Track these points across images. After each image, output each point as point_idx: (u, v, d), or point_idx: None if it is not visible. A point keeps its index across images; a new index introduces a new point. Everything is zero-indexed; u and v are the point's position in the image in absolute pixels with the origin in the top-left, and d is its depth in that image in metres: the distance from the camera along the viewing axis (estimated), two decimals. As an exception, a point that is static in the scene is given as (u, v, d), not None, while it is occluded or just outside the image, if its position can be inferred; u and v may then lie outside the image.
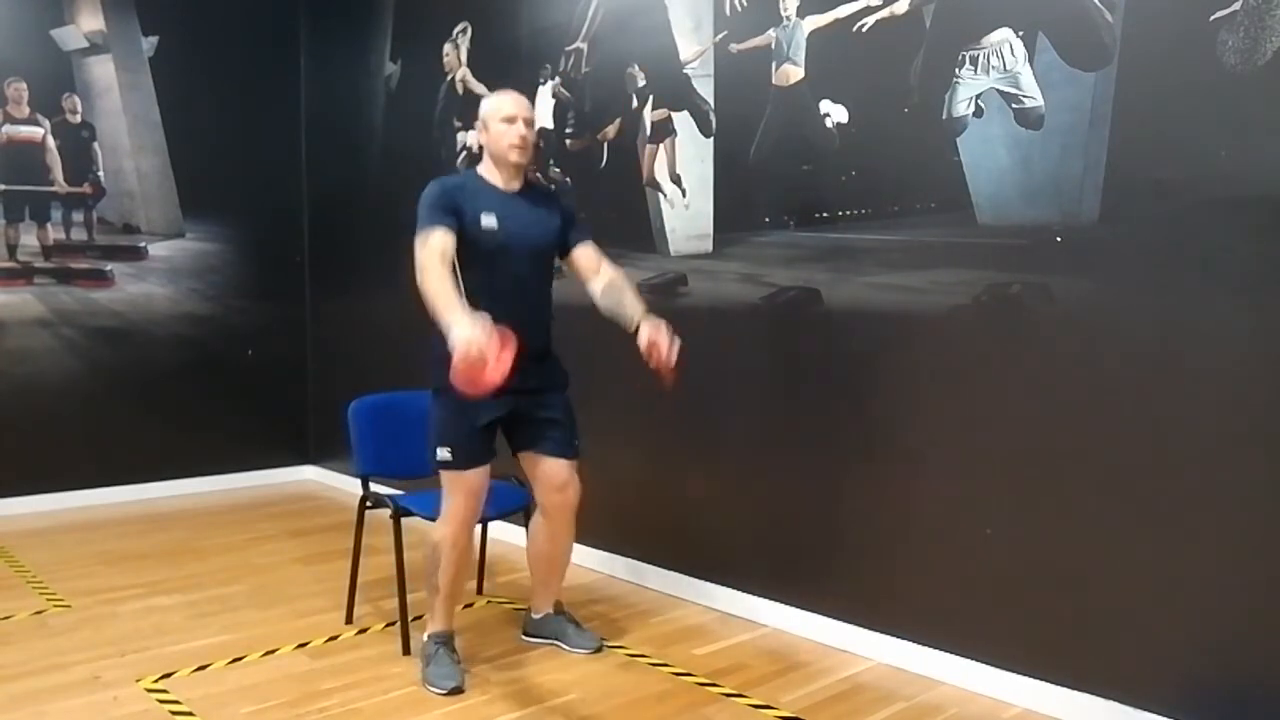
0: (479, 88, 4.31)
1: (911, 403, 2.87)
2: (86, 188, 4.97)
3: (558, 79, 3.96)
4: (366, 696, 2.67)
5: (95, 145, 4.97)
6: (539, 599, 3.08)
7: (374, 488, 3.15)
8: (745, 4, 3.26)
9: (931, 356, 2.82)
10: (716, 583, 3.42)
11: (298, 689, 2.71)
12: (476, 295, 2.64)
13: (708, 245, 3.45)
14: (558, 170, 3.97)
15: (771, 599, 3.25)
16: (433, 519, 2.79)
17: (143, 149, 5.11)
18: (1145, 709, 2.41)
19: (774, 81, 3.18)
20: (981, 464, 2.71)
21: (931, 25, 2.78)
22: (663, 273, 3.59)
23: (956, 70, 2.72)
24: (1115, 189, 2.43)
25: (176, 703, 2.62)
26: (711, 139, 3.41)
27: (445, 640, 2.79)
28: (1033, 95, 2.58)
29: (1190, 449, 2.33)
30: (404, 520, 2.99)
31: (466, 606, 3.39)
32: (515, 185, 2.75)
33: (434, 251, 2.55)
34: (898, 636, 2.91)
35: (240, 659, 2.93)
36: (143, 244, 5.14)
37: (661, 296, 3.59)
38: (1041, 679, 2.60)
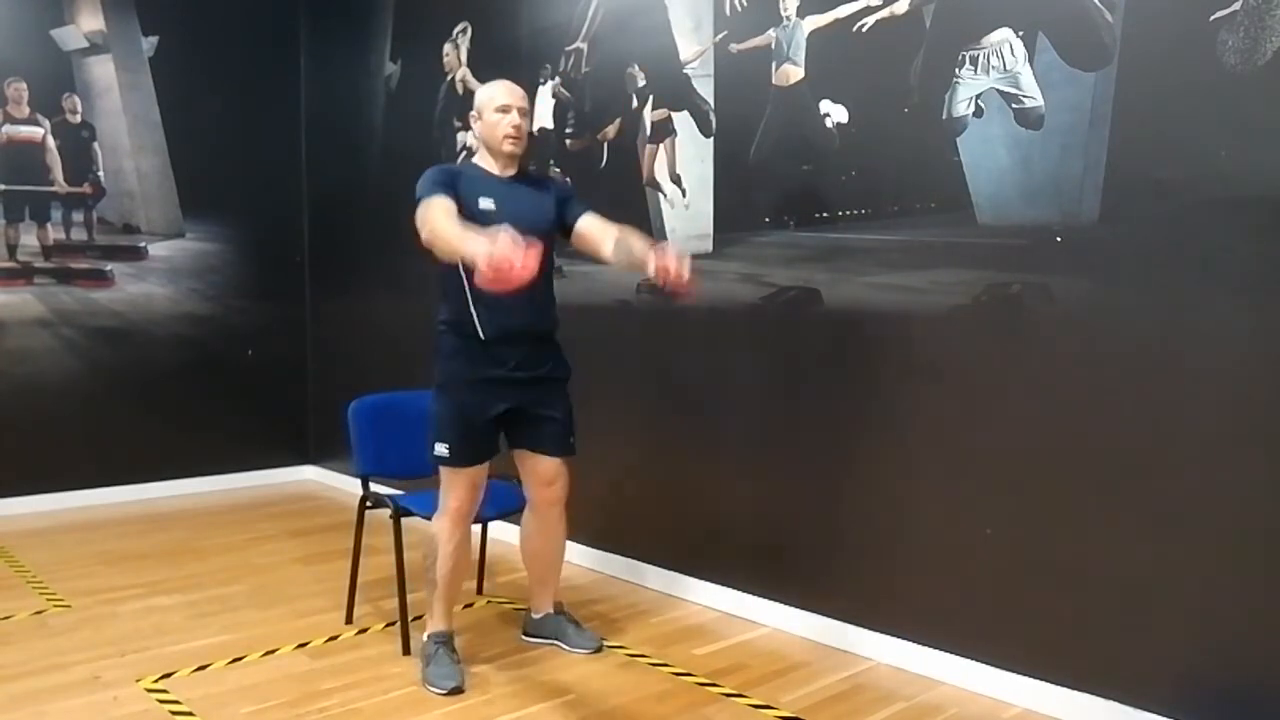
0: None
1: (911, 403, 2.87)
2: (86, 188, 4.96)
3: (558, 79, 3.96)
4: (366, 696, 2.67)
5: (95, 145, 4.97)
6: (538, 598, 3.08)
7: (374, 488, 3.15)
8: (745, 4, 3.26)
9: (931, 356, 2.82)
10: (716, 583, 3.42)
11: (298, 689, 2.71)
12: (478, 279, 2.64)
13: (708, 245, 3.45)
14: (558, 170, 3.98)
15: (771, 599, 3.25)
16: (432, 518, 2.79)
17: (143, 149, 5.11)
18: (1145, 709, 2.41)
19: (774, 81, 3.18)
20: (981, 464, 2.71)
21: (931, 25, 2.78)
22: (663, 273, 3.59)
23: (956, 70, 2.72)
24: (1115, 189, 2.43)
25: (176, 703, 2.62)
26: (711, 139, 3.41)
27: (445, 640, 2.79)
28: (1033, 95, 2.58)
29: (1190, 449, 2.33)
30: (404, 520, 2.99)
31: (466, 606, 3.39)
32: (511, 172, 2.77)
33: (438, 208, 2.54)
34: (898, 636, 2.91)
35: (240, 659, 2.93)
36: (143, 244, 5.14)
37: (661, 296, 3.59)
38: (1041, 679, 2.60)
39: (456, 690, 2.67)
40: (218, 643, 3.06)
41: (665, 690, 2.75)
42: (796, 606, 3.17)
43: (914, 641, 2.87)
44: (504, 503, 3.01)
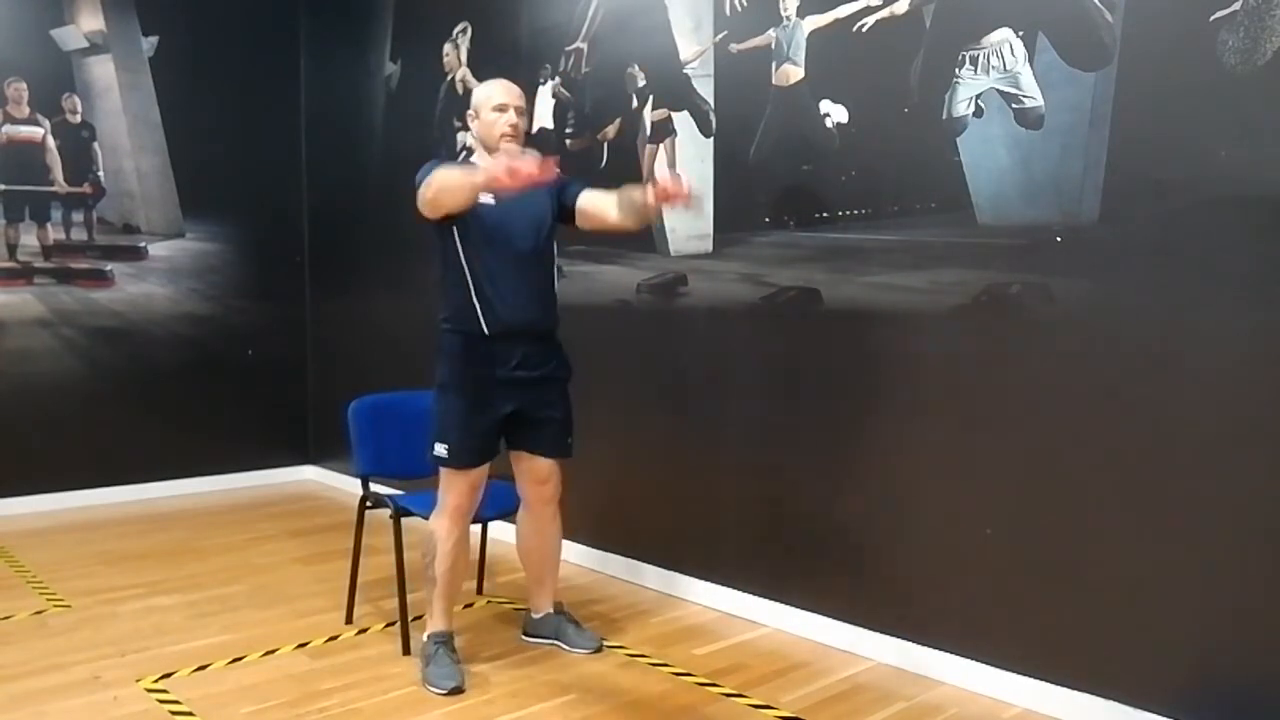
0: (479, 88, 4.31)
1: (911, 403, 2.86)
2: (86, 188, 4.96)
3: (558, 79, 3.96)
4: (366, 696, 2.67)
5: (95, 145, 4.97)
6: (537, 598, 3.08)
7: (374, 488, 3.16)
8: (745, 4, 3.26)
9: (931, 357, 2.82)
10: (716, 583, 3.42)
11: (298, 689, 2.71)
12: (480, 273, 2.66)
13: (708, 245, 3.45)
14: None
15: (771, 599, 3.25)
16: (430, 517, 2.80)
17: (143, 149, 5.10)
18: (1145, 709, 2.41)
19: (774, 81, 3.18)
20: (981, 464, 2.71)
21: (931, 25, 2.78)
22: (663, 273, 3.59)
23: (956, 70, 2.72)
24: (1115, 189, 2.43)
25: (176, 703, 2.62)
26: (711, 139, 3.41)
27: (445, 640, 2.79)
28: (1033, 95, 2.58)
29: (1190, 449, 2.33)
30: (404, 520, 2.99)
31: (466, 606, 3.39)
32: None
33: (439, 171, 2.55)
34: (898, 636, 2.91)
35: (240, 659, 2.93)
36: (143, 244, 5.14)
37: (661, 296, 3.60)
38: (1041, 679, 2.60)
39: (456, 690, 2.67)
40: (218, 643, 3.06)
41: (665, 690, 2.75)
42: (796, 606, 3.17)
43: (914, 641, 2.87)
44: (503, 503, 3.01)
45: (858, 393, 3.00)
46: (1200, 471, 2.31)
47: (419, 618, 3.00)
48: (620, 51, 3.72)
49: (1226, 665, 2.30)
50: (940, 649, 2.81)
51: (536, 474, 2.90)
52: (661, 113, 3.56)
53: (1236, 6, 2.20)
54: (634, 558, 3.71)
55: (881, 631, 2.95)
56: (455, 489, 2.74)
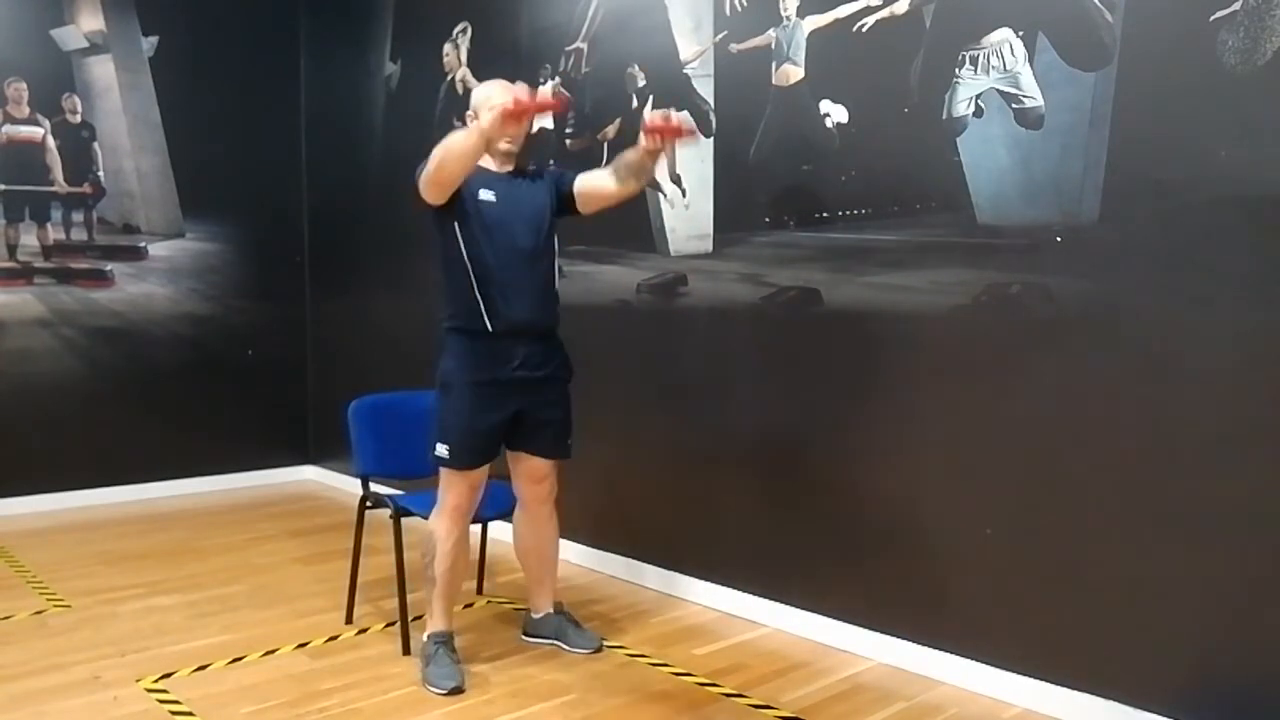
0: (479, 88, 4.31)
1: (911, 403, 2.86)
2: (86, 188, 4.96)
3: (558, 79, 3.96)
4: (366, 696, 2.67)
5: (95, 145, 4.97)
6: (537, 598, 3.08)
7: (374, 488, 3.16)
8: (745, 4, 3.26)
9: (931, 356, 2.82)
10: (716, 583, 3.42)
11: (298, 689, 2.71)
12: (483, 271, 2.66)
13: (708, 245, 3.45)
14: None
15: (771, 599, 3.25)
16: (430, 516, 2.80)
17: (143, 149, 5.10)
18: (1145, 709, 2.41)
19: (774, 81, 3.18)
20: (981, 464, 2.71)
21: (931, 25, 2.78)
22: (663, 273, 3.59)
23: (956, 70, 2.72)
24: (1115, 189, 2.43)
25: (176, 703, 2.62)
26: (711, 139, 3.41)
27: (445, 640, 2.79)
28: (1033, 95, 2.58)
29: (1190, 449, 2.33)
30: (404, 520, 2.99)
31: (466, 606, 3.39)
32: (508, 168, 2.79)
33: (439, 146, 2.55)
34: (898, 636, 2.91)
35: (240, 659, 2.93)
36: (143, 244, 5.14)
37: (661, 296, 3.60)
38: (1041, 679, 2.60)
39: (456, 690, 2.67)
40: (218, 643, 3.06)
41: (665, 690, 2.75)
42: (796, 606, 3.17)
43: (914, 641, 2.87)
44: (503, 503, 3.01)
45: (857, 393, 3.00)
46: (1200, 471, 2.31)
47: (419, 618, 3.00)
48: (620, 51, 3.72)
49: (1226, 665, 2.30)
50: (940, 649, 2.81)
51: (533, 473, 2.90)
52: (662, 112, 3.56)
53: (1236, 6, 2.20)
54: (634, 558, 3.71)
55: (881, 631, 2.95)
56: (455, 489, 2.74)
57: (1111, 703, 2.47)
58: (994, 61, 2.65)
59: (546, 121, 3.99)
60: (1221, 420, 2.28)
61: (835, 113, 3.02)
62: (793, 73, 3.13)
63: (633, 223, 3.65)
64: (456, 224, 2.68)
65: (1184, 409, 2.33)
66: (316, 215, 5.62)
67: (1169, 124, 2.33)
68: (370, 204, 5.10)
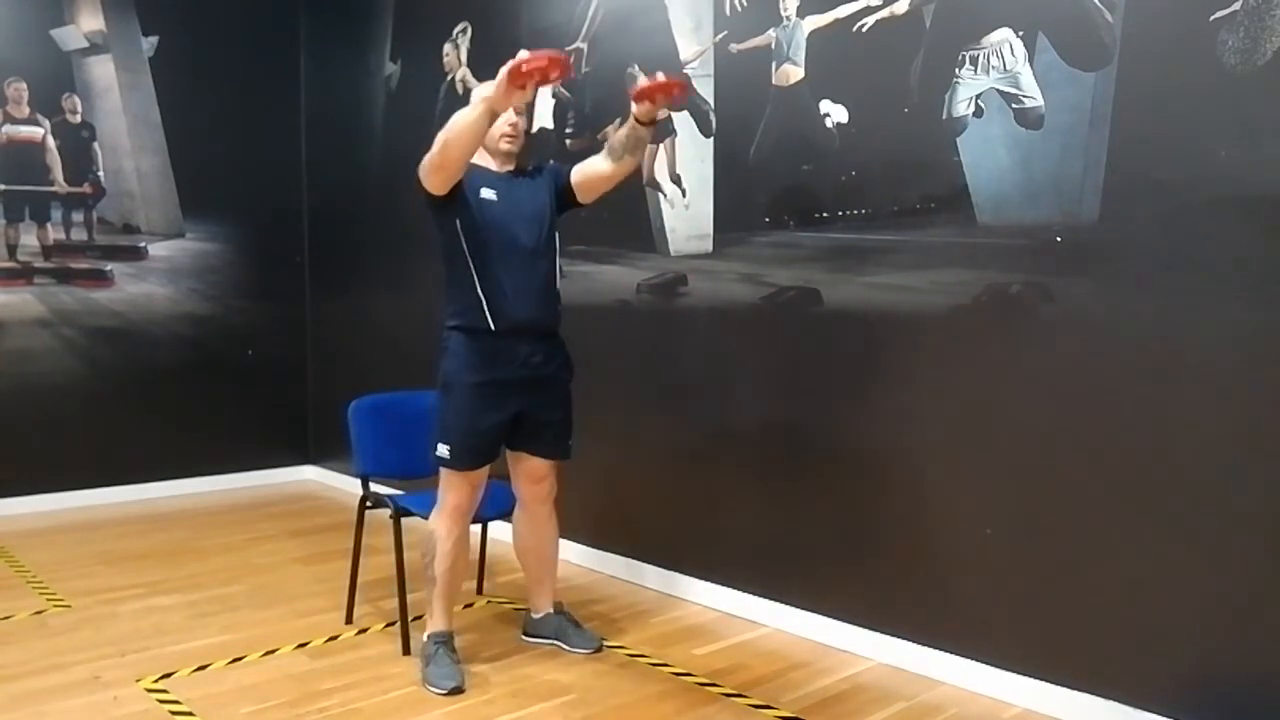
0: (479, 88, 4.31)
1: (911, 402, 2.86)
2: (86, 188, 4.96)
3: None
4: (366, 696, 2.67)
5: (95, 145, 4.97)
6: (537, 598, 3.08)
7: (374, 488, 3.16)
8: (745, 4, 3.26)
9: (932, 357, 2.82)
10: (716, 583, 3.42)
11: (298, 689, 2.71)
12: (485, 269, 2.66)
13: (708, 245, 3.45)
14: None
15: (771, 599, 3.25)
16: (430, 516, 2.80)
17: (143, 149, 5.10)
18: (1145, 709, 2.41)
19: (774, 81, 3.18)
20: (981, 464, 2.71)
21: (931, 25, 2.78)
22: (663, 273, 3.59)
23: (956, 70, 2.72)
24: (1115, 189, 2.43)
25: (176, 703, 2.62)
26: (711, 139, 3.41)
27: (445, 640, 2.79)
28: (1033, 95, 2.58)
29: (1190, 449, 2.33)
30: (404, 520, 2.99)
31: (466, 606, 3.39)
32: (508, 168, 2.80)
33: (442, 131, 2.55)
34: (898, 636, 2.91)
35: (240, 659, 2.93)
36: (143, 244, 5.14)
37: (661, 296, 3.60)
38: (1041, 679, 2.60)
39: (456, 690, 2.67)
40: (218, 643, 3.06)
41: (665, 690, 2.75)
42: (796, 606, 3.17)
43: (914, 641, 2.87)
44: (503, 503, 3.01)
45: (857, 392, 3.00)
46: (1200, 471, 2.31)
47: (419, 618, 3.00)
48: (620, 51, 3.72)
49: (1226, 665, 2.30)
50: (940, 649, 2.81)
51: (533, 473, 2.90)
52: (661, 112, 3.56)
53: (1236, 6, 2.20)
54: (634, 558, 3.71)
55: (881, 631, 2.95)
56: (456, 489, 2.74)
57: (1111, 703, 2.47)
58: (994, 61, 2.65)
59: (547, 121, 3.99)
60: (1221, 420, 2.28)
61: (835, 113, 3.02)
62: (793, 73, 3.13)
63: (633, 223, 3.65)
64: (458, 221, 2.68)
65: (1184, 409, 2.33)
66: (316, 215, 5.62)
67: (1169, 124, 2.33)
68: (370, 204, 5.10)
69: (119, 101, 5.01)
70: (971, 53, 2.69)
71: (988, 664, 2.71)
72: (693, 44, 3.44)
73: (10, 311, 4.74)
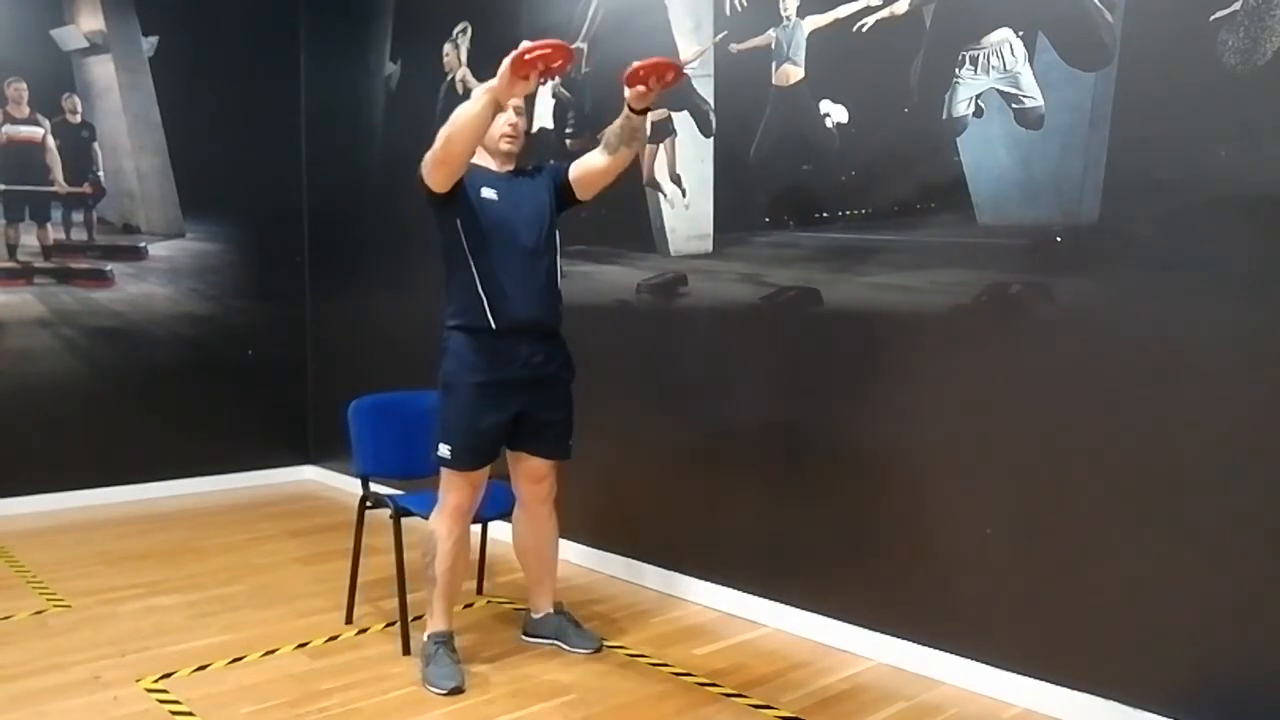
0: (479, 88, 4.31)
1: (911, 402, 2.86)
2: (86, 188, 4.97)
3: (558, 79, 3.96)
4: (366, 696, 2.67)
5: (95, 145, 4.97)
6: (537, 598, 3.08)
7: (374, 488, 3.16)
8: (745, 4, 3.26)
9: (931, 357, 2.82)
10: (716, 583, 3.42)
11: (298, 689, 2.71)
12: (486, 269, 2.66)
13: (708, 245, 3.45)
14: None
15: (771, 599, 3.25)
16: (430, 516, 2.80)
17: (143, 149, 5.11)
18: (1145, 709, 2.41)
19: (774, 81, 3.18)
20: (981, 464, 2.71)
21: (931, 25, 2.78)
22: (663, 273, 3.59)
23: (956, 70, 2.72)
24: (1115, 189, 2.43)
25: (176, 703, 2.62)
26: (711, 139, 3.41)
27: (445, 640, 2.79)
28: (1033, 95, 2.58)
29: (1190, 449, 2.33)
30: (404, 520, 2.99)
31: (466, 606, 3.39)
32: (509, 168, 2.80)
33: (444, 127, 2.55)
34: (898, 636, 2.91)
35: (240, 659, 2.93)
36: (143, 244, 5.14)
37: (661, 296, 3.60)
38: (1041, 679, 2.60)
39: (456, 690, 2.67)
40: (218, 643, 3.06)
41: (665, 690, 2.75)
42: (796, 606, 3.17)
43: (914, 641, 2.87)
44: (503, 503, 3.01)
45: (857, 392, 3.00)
46: (1200, 471, 2.31)
47: (419, 618, 3.00)
48: (620, 51, 3.71)
49: (1226, 665, 2.30)
50: (940, 649, 2.81)
51: (533, 473, 2.90)
52: (661, 113, 3.56)
53: (1236, 6, 2.20)
54: (634, 558, 3.71)
55: (881, 631, 2.95)
56: (457, 489, 2.74)
57: (1111, 703, 2.47)
58: (994, 61, 2.65)
59: (547, 121, 3.99)
60: (1221, 420, 2.28)
61: (835, 113, 3.02)
62: (793, 73, 3.13)
63: (633, 223, 3.65)
64: (459, 221, 2.68)
65: (1184, 409, 2.33)
66: (316, 215, 5.62)
67: (1169, 124, 2.33)
68: (370, 204, 5.10)
69: (119, 101, 5.01)
70: (971, 53, 2.69)
71: (988, 664, 2.71)
72: (693, 44, 3.44)
73: (10, 311, 4.74)
